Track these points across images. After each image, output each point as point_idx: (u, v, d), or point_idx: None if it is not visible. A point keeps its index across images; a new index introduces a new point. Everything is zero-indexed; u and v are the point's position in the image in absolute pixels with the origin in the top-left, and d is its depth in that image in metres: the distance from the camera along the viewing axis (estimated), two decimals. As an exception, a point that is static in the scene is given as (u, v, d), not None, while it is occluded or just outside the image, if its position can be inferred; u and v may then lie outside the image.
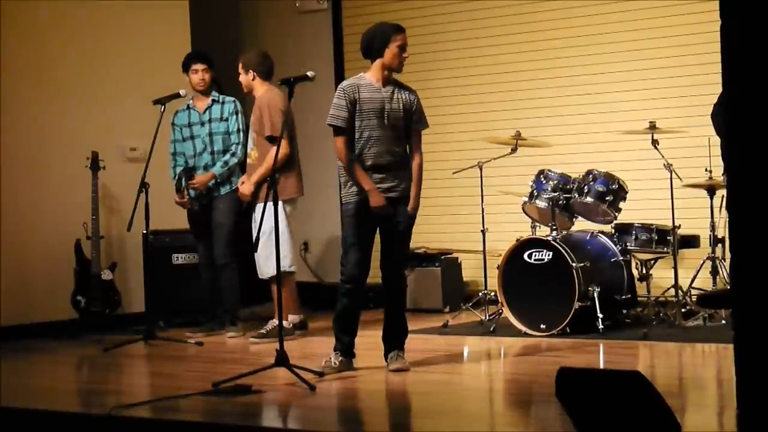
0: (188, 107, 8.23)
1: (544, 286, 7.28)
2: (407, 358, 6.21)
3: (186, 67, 8.18)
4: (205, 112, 8.17)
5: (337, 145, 6.10)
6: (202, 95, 8.18)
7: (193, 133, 8.18)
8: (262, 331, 7.68)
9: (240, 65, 7.86)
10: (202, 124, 8.17)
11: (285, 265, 7.65)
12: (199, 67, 8.14)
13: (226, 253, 8.08)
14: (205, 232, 8.16)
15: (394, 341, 6.24)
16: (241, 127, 8.12)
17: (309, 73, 6.19)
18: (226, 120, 8.13)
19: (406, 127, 6.22)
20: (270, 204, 7.25)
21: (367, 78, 6.17)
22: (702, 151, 7.46)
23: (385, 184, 6.11)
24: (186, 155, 8.17)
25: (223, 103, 8.18)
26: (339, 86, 6.21)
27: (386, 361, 6.22)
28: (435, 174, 9.47)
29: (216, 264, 8.11)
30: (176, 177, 8.08)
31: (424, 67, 9.61)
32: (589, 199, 7.56)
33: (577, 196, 7.60)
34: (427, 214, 9.59)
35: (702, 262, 7.48)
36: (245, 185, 7.73)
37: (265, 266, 7.58)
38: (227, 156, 8.08)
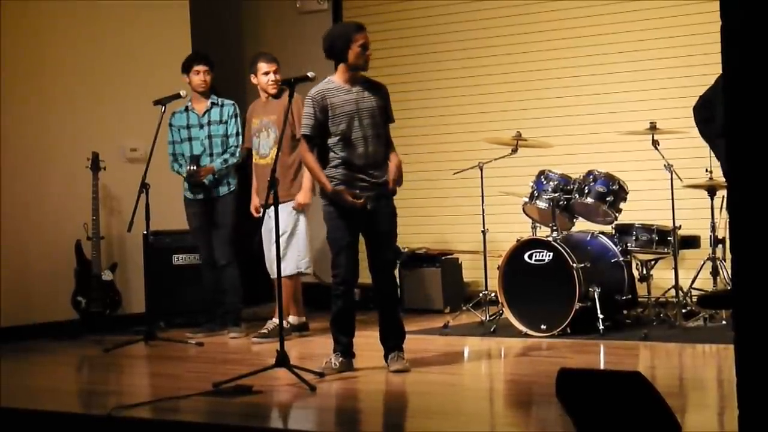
0: (186, 109, 8.22)
1: (544, 286, 7.28)
2: (408, 358, 6.21)
3: (187, 69, 8.17)
4: (204, 114, 8.17)
5: (300, 151, 6.13)
6: (201, 97, 8.18)
7: (191, 135, 8.18)
8: (263, 330, 7.69)
9: (277, 67, 7.83)
10: (201, 126, 8.16)
11: (302, 266, 7.69)
12: (201, 68, 8.14)
13: (228, 253, 8.08)
14: (205, 232, 8.16)
15: (392, 342, 6.23)
16: (239, 130, 8.13)
17: (309, 74, 6.19)
18: (226, 123, 8.13)
19: (384, 123, 6.21)
20: (285, 205, 7.31)
21: (335, 81, 6.16)
22: (703, 152, 7.46)
23: (362, 185, 6.10)
24: (185, 156, 8.17)
25: (222, 105, 8.17)
26: (308, 94, 6.18)
27: (386, 362, 6.21)
28: (435, 174, 9.49)
29: (218, 265, 8.11)
30: (184, 166, 8.07)
31: (425, 67, 9.63)
32: (589, 200, 7.56)
33: (577, 196, 7.60)
34: (428, 215, 9.61)
35: (702, 262, 7.48)
36: (303, 195, 7.62)
37: (283, 266, 7.54)
38: (227, 155, 8.09)
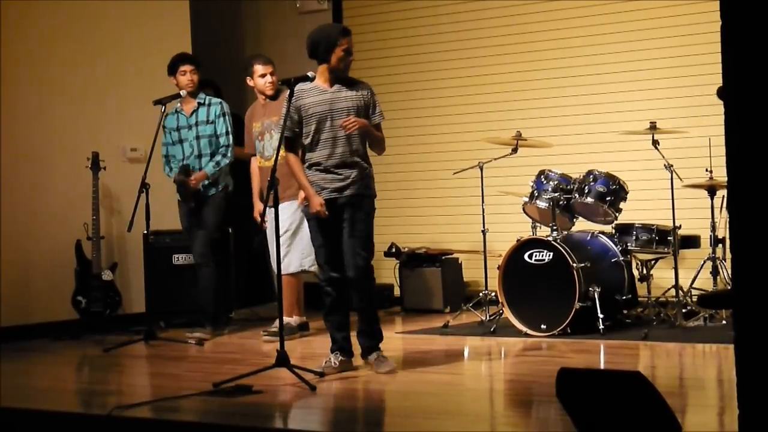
0: (176, 110, 8.14)
1: (544, 286, 7.28)
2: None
3: (173, 70, 8.07)
4: (191, 115, 8.09)
5: (283, 153, 6.17)
6: (189, 97, 8.11)
7: (182, 137, 8.10)
8: (273, 329, 7.63)
9: (273, 68, 7.85)
10: (190, 127, 8.07)
11: (305, 264, 7.68)
12: (187, 68, 8.05)
13: (203, 253, 7.98)
14: (194, 233, 8.13)
15: (365, 344, 6.21)
16: (229, 129, 8.03)
17: (309, 74, 6.18)
18: (213, 122, 8.06)
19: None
20: (289, 203, 7.29)
21: (314, 82, 6.16)
22: (703, 152, 7.46)
23: (334, 185, 6.09)
24: (176, 158, 8.12)
25: (209, 105, 8.08)
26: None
27: (364, 360, 6.21)
28: (435, 174, 9.49)
29: (194, 264, 8.05)
30: (174, 175, 8.02)
31: (425, 67, 9.63)
32: (589, 200, 7.56)
33: (577, 196, 7.60)
34: (427, 214, 9.62)
35: (702, 262, 7.48)
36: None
37: (287, 263, 7.54)
38: (218, 157, 8.01)
